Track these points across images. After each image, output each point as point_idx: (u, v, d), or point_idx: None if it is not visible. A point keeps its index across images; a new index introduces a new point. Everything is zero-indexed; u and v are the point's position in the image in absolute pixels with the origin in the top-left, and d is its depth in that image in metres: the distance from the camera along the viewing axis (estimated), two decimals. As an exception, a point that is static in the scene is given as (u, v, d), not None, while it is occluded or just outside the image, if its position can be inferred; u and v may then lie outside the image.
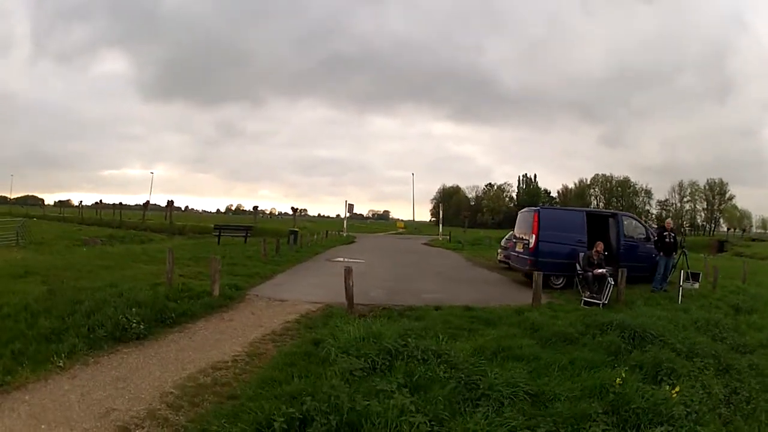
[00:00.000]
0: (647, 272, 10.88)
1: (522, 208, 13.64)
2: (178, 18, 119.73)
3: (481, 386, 4.26)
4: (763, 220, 71.61)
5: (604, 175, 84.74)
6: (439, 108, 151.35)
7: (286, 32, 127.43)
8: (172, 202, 45.53)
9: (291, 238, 18.78)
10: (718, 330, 7.14)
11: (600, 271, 9.48)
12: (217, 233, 19.81)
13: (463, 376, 4.47)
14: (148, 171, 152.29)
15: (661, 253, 10.79)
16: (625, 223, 11.52)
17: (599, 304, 8.66)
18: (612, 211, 14.06)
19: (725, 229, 71.08)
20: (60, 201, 75.44)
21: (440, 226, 37.50)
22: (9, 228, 19.60)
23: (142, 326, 5.79)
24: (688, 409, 4.23)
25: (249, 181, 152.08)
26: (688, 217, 76.17)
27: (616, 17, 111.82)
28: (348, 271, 7.85)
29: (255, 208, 50.65)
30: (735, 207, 74.07)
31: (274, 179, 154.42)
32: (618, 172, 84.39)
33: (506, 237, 16.59)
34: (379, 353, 4.84)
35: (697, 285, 9.65)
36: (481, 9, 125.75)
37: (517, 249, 11.96)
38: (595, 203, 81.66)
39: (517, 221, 12.68)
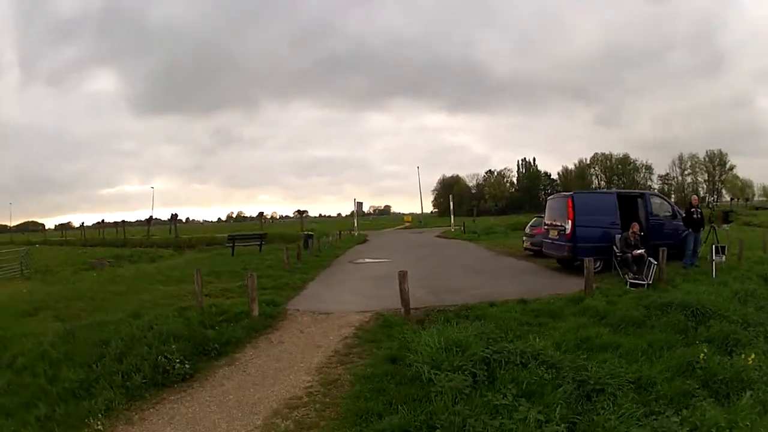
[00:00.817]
0: (674, 249, 10.69)
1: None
2: (166, 30, 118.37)
3: (591, 382, 4.16)
4: (765, 188, 71.18)
5: (603, 154, 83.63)
6: (432, 100, 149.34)
7: (277, 36, 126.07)
8: (176, 215, 44.41)
9: (309, 243, 17.77)
10: (756, 300, 7.37)
11: (639, 251, 9.36)
12: (231, 244, 18.75)
13: (567, 374, 4.31)
14: (146, 186, 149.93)
15: (690, 230, 10.75)
16: (653, 201, 11.48)
17: (644, 284, 8.48)
18: (640, 191, 14.61)
19: (728, 199, 70.65)
20: (61, 224, 73.81)
21: (452, 217, 36.44)
22: (12, 258, 18.52)
23: (186, 365, 4.85)
24: (760, 373, 4.55)
25: (247, 188, 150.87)
26: (691, 189, 75.39)
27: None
28: (403, 276, 7.09)
29: (261, 214, 49.41)
30: (736, 177, 73.68)
31: (272, 183, 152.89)
32: (616, 151, 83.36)
33: (530, 224, 16.16)
34: (475, 364, 4.44)
35: (723, 258, 9.68)
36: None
37: (550, 236, 11.83)
38: (596, 182, 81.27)
39: (546, 208, 12.60)
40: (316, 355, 5.52)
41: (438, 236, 28.96)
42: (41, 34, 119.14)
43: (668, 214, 11.54)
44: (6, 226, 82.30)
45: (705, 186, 76.95)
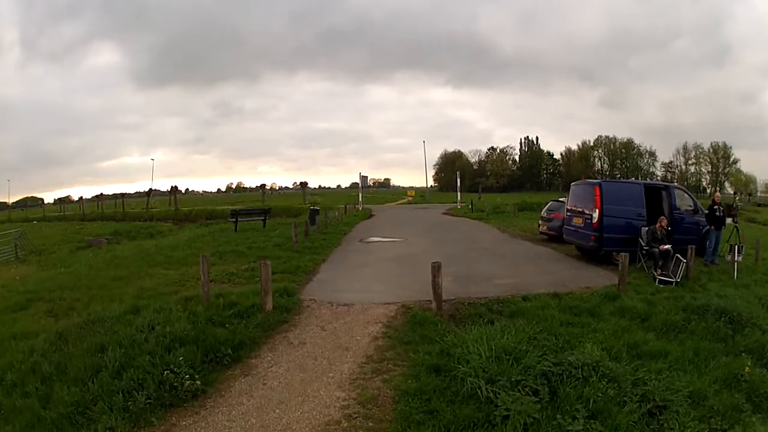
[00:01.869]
0: (696, 245, 10.43)
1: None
2: (167, 3, 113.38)
3: (655, 398, 3.98)
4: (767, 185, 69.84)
5: (607, 137, 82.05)
6: (438, 74, 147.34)
7: (280, 8, 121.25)
8: (176, 187, 43.44)
9: (315, 218, 16.94)
10: (779, 306, 7.19)
11: (666, 247, 9.10)
12: (234, 219, 17.94)
13: (628, 389, 4.08)
14: (147, 158, 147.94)
15: (712, 227, 10.54)
16: (676, 195, 11.22)
17: (672, 282, 8.30)
18: (665, 183, 14.16)
19: (731, 192, 69.83)
20: (59, 198, 72.26)
21: (458, 194, 35.48)
22: (6, 241, 17.67)
23: (197, 381, 4.16)
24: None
25: (247, 159, 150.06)
26: (693, 180, 74.06)
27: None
28: (436, 269, 6.44)
29: (262, 186, 48.35)
30: (740, 171, 72.52)
31: (272, 154, 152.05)
32: (620, 135, 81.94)
33: (547, 207, 15.55)
34: (535, 378, 4.05)
35: (740, 258, 9.53)
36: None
37: (574, 222, 11.39)
38: (600, 165, 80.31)
39: (569, 193, 12.15)
40: (346, 362, 4.87)
41: (445, 213, 28.13)
42: (43, 10, 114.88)
43: (690, 208, 11.24)
44: (5, 203, 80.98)
45: (708, 177, 75.96)
